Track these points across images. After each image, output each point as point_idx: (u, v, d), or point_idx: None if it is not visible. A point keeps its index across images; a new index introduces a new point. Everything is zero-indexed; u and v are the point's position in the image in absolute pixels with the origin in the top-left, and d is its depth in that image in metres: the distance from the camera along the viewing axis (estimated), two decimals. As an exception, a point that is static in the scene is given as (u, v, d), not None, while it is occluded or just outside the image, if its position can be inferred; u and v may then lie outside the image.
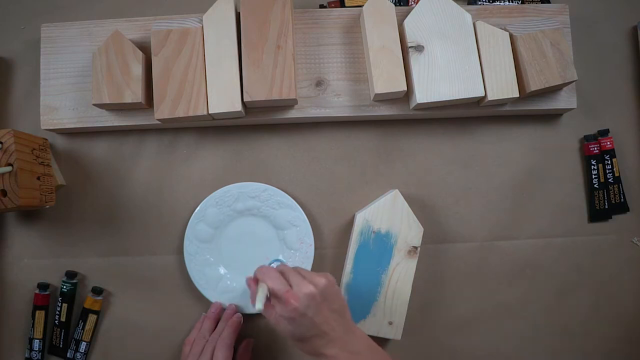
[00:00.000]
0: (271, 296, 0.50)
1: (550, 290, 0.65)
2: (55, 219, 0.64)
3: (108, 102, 0.59)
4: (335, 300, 0.50)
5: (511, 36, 0.60)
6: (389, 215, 0.60)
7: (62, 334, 0.62)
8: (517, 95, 0.59)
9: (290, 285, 0.49)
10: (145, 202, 0.65)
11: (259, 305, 0.47)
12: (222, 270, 0.63)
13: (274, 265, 0.62)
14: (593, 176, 0.65)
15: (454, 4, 0.60)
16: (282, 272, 0.51)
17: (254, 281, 0.53)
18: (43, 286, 0.62)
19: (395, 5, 0.65)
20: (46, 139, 0.62)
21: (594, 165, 0.65)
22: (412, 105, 0.61)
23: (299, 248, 0.63)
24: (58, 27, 0.63)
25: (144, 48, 0.61)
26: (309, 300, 0.47)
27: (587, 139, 0.65)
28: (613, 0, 0.68)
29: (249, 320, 0.63)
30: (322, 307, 0.48)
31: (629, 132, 0.67)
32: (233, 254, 0.64)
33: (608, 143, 0.65)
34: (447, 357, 0.64)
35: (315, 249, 0.63)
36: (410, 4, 0.66)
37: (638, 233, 0.66)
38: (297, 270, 0.51)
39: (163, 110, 0.58)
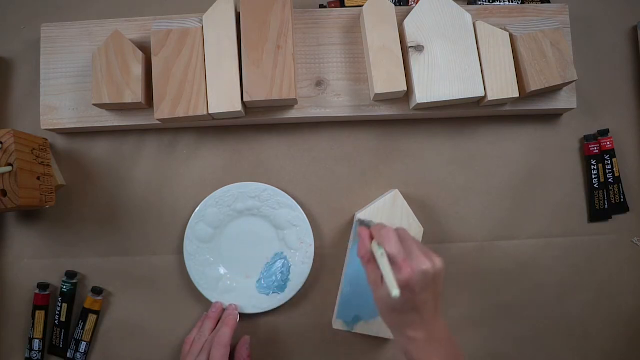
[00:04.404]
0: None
1: (550, 290, 0.65)
2: (55, 219, 0.64)
3: (108, 102, 0.59)
4: (440, 284, 0.49)
5: (511, 36, 0.60)
6: (389, 215, 0.60)
7: (62, 334, 0.62)
8: (517, 95, 0.59)
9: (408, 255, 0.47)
10: (145, 202, 0.65)
11: (395, 292, 0.44)
12: (222, 270, 0.63)
13: (278, 263, 0.63)
14: (593, 176, 0.65)
15: (454, 4, 0.60)
16: (402, 239, 0.49)
17: (368, 236, 0.52)
18: (43, 286, 0.62)
19: (395, 5, 0.65)
20: (46, 139, 0.62)
21: (594, 165, 0.65)
22: (412, 105, 0.61)
23: (299, 248, 0.63)
24: (58, 27, 0.63)
25: (144, 48, 0.61)
26: (423, 276, 0.46)
27: (587, 139, 0.65)
28: (613, 0, 0.68)
29: (247, 318, 0.63)
30: (429, 288, 0.47)
31: (629, 132, 0.67)
32: (233, 254, 0.64)
33: (608, 143, 0.65)
34: (447, 357, 0.64)
35: (315, 248, 0.63)
36: (410, 4, 0.66)
37: (638, 233, 0.66)
38: (416, 242, 0.50)
39: (163, 110, 0.58)
